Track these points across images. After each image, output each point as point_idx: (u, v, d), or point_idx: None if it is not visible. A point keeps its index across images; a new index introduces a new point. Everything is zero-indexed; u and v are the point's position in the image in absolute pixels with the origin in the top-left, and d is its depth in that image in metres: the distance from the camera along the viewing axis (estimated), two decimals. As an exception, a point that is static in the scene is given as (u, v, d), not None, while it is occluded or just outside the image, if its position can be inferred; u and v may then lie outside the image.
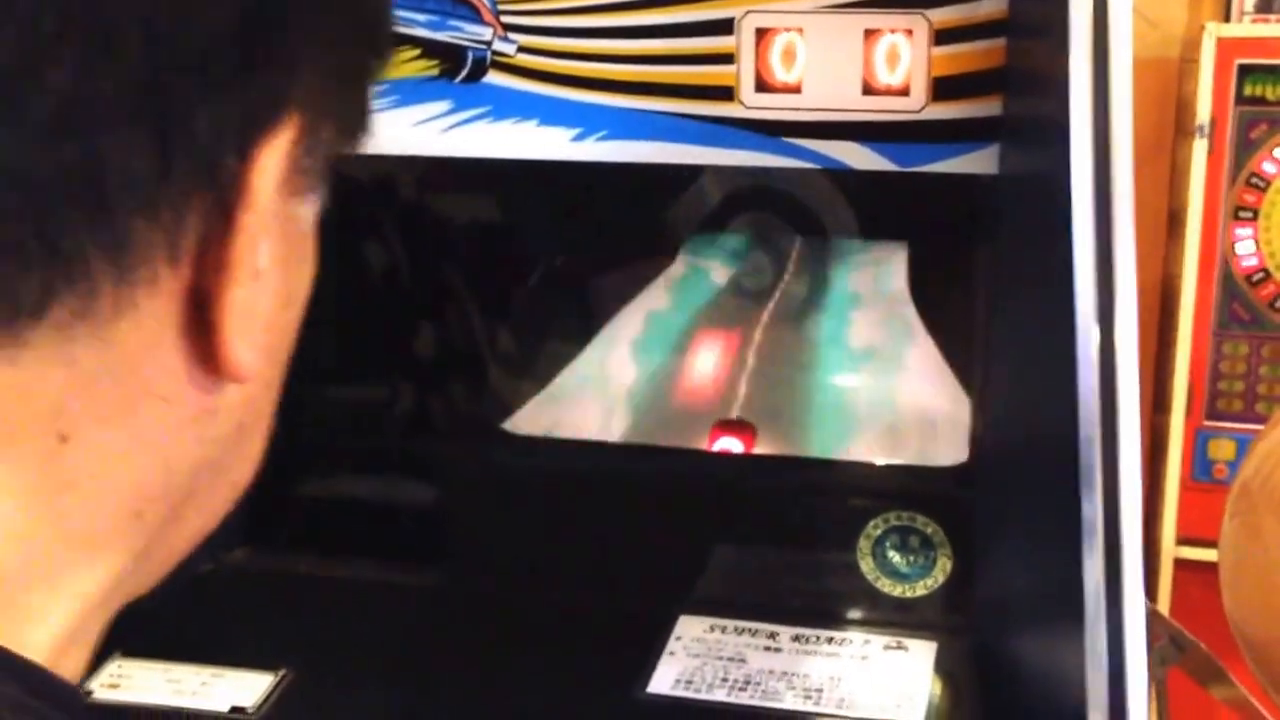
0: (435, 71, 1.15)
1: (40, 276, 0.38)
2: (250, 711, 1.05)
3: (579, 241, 1.29)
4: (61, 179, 0.37)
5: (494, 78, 1.14)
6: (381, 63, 0.49)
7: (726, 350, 1.28)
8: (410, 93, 1.15)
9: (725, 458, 1.26)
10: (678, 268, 1.27)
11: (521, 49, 1.13)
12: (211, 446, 0.45)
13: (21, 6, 0.36)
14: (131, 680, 1.09)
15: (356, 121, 0.48)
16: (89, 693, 1.06)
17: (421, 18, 1.14)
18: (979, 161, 1.06)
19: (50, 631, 0.42)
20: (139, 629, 1.16)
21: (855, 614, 1.19)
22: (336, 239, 1.38)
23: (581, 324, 1.30)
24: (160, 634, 1.16)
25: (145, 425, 0.42)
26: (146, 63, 0.38)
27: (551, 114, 1.14)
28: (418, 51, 1.15)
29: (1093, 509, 0.78)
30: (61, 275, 0.38)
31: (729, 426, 1.26)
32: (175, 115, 0.39)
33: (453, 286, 1.30)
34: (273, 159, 0.41)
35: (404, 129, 1.16)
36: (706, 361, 1.28)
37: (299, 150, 0.43)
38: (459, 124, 1.16)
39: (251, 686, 1.08)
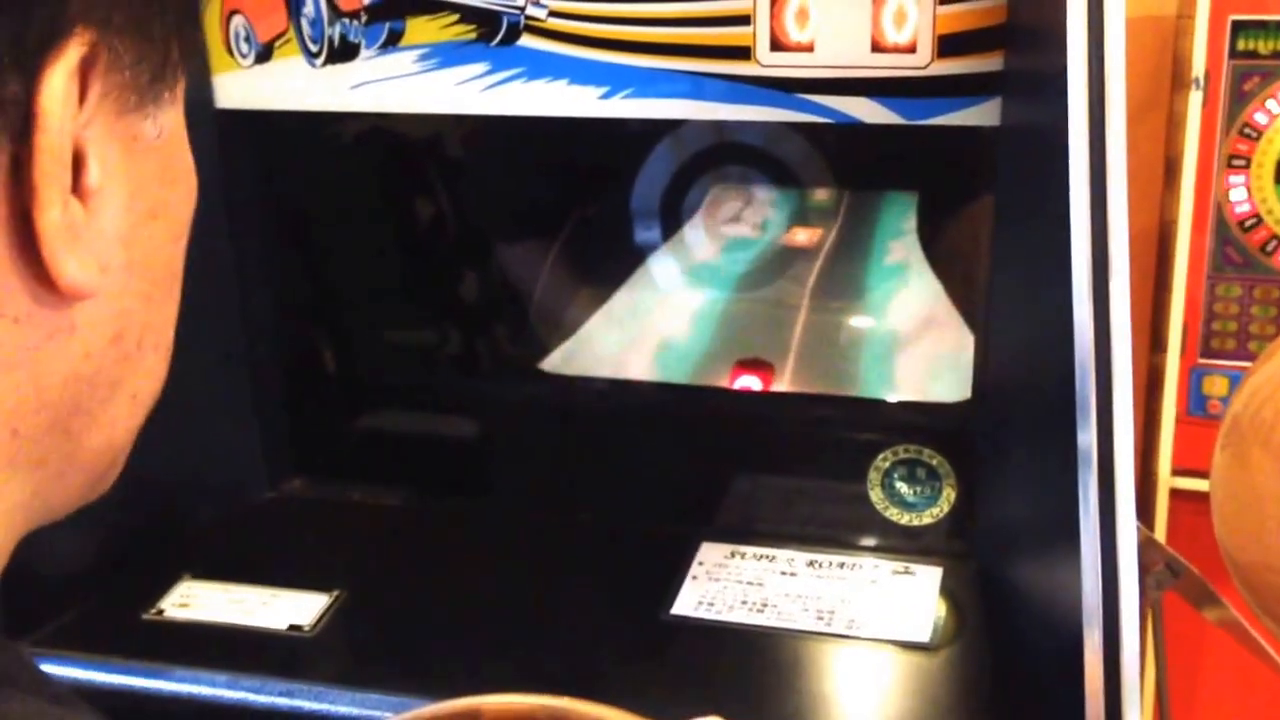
0: (473, 36, 1.13)
1: None
2: (307, 629, 1.05)
3: (609, 192, 1.28)
4: None
5: (527, 41, 1.12)
6: None
7: (747, 294, 1.26)
8: (450, 56, 1.14)
9: (745, 395, 1.25)
10: (700, 217, 1.25)
11: (552, 14, 1.11)
12: (82, 361, 0.43)
13: None
14: (199, 600, 1.09)
15: (172, 33, 0.44)
16: (160, 611, 1.07)
17: (459, -15, 1.12)
18: (982, 114, 1.04)
19: None
20: (205, 553, 1.18)
21: (865, 541, 1.18)
22: (386, 192, 1.39)
23: (613, 271, 1.29)
24: (224, 558, 1.18)
25: (3, 347, 0.41)
26: None
27: (581, 74, 1.12)
28: (456, 17, 1.13)
29: (1088, 440, 0.77)
30: None
31: (749, 365, 1.25)
32: None
33: (494, 235, 1.29)
34: (60, 79, 0.39)
35: (445, 89, 1.15)
36: (728, 305, 1.27)
37: (102, 67, 0.41)
38: (496, 84, 1.14)
39: (308, 606, 1.08)
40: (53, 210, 0.39)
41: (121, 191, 0.42)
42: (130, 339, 0.45)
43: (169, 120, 0.45)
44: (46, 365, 0.42)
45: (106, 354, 0.44)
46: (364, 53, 1.16)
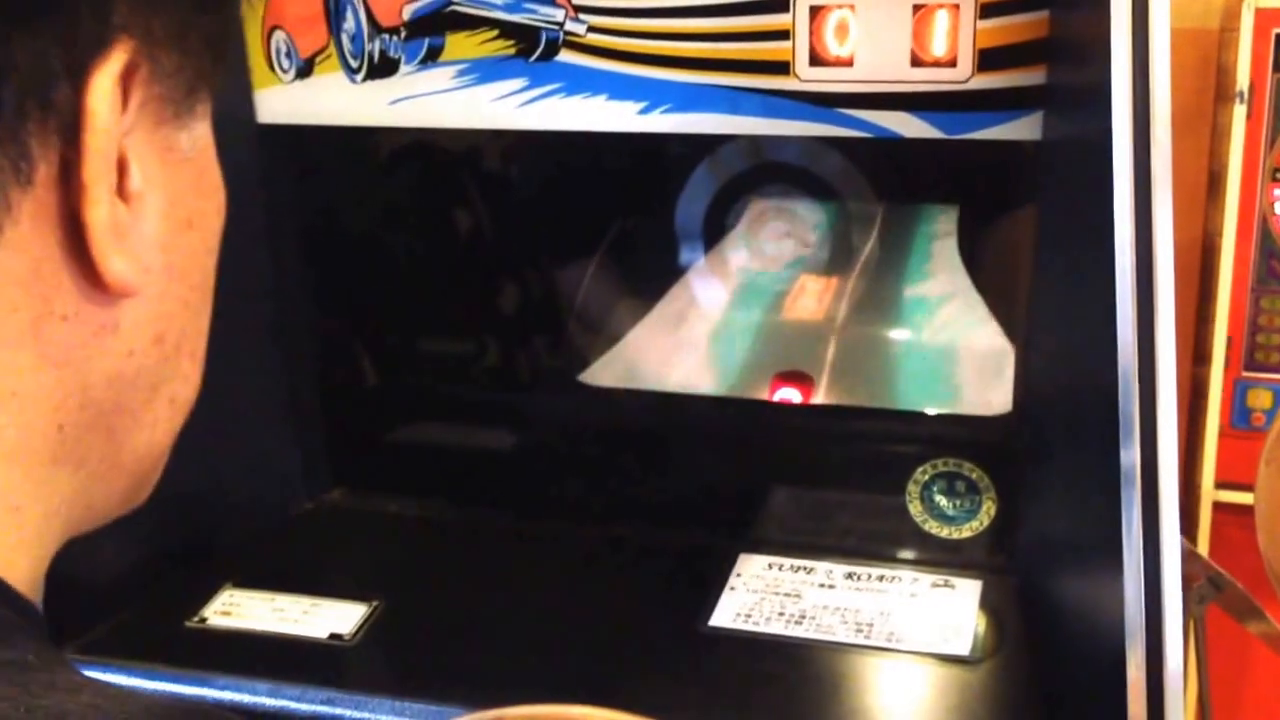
0: (511, 51, 1.13)
1: None
2: (347, 638, 1.05)
3: (648, 206, 1.28)
4: None
5: (566, 56, 1.12)
6: None
7: (786, 307, 1.26)
8: (489, 71, 1.14)
9: (784, 407, 1.24)
10: (740, 231, 1.25)
11: (591, 29, 1.11)
12: (125, 360, 0.45)
13: None
14: (241, 609, 1.10)
15: (207, 47, 0.46)
16: (203, 620, 1.07)
17: (499, 0, 1.12)
18: (1023, 128, 1.03)
19: None
20: (247, 563, 1.19)
21: (905, 554, 1.17)
22: (425, 206, 1.40)
23: (651, 284, 1.28)
24: (266, 567, 1.18)
25: (52, 343, 0.42)
26: None
27: (619, 89, 1.12)
28: (495, 32, 1.13)
29: (1131, 456, 0.76)
30: None
31: (788, 378, 1.24)
32: None
33: (532, 249, 1.29)
34: (105, 83, 0.40)
35: (483, 105, 1.15)
36: (767, 318, 1.27)
37: (143, 76, 0.42)
38: (534, 99, 1.14)
39: (348, 615, 1.08)
40: (101, 208, 0.41)
41: (160, 199, 0.44)
42: (170, 342, 0.47)
43: (201, 133, 0.47)
44: (93, 363, 0.44)
45: (149, 354, 0.46)
46: (404, 68, 1.17)
